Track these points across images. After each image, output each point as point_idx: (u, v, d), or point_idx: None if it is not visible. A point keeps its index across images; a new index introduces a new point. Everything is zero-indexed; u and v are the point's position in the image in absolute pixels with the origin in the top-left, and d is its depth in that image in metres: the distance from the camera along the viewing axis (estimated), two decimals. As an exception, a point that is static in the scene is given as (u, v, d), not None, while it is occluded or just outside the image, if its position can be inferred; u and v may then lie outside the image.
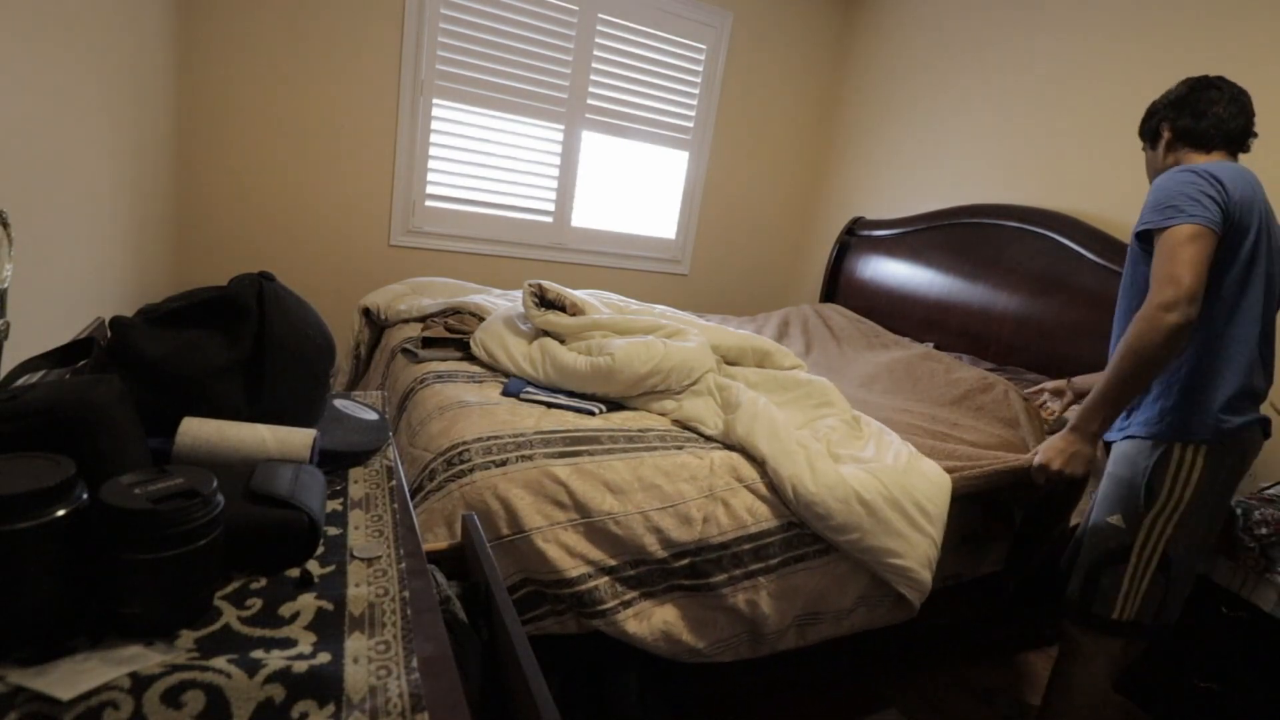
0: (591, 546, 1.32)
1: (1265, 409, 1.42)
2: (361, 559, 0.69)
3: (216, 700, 0.48)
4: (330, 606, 0.61)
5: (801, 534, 1.46)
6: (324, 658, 0.54)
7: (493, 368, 1.84)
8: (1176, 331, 1.25)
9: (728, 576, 1.40)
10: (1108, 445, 1.52)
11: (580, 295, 2.02)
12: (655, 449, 1.49)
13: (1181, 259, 1.26)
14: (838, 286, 3.43)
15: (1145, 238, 1.37)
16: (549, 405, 1.64)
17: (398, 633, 0.59)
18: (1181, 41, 2.17)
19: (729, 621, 1.42)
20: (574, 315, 1.89)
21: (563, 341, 1.84)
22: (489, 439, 1.39)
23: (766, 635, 1.45)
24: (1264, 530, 1.53)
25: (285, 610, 0.59)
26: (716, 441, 1.61)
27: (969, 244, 2.73)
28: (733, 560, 1.40)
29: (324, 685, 0.51)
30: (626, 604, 1.32)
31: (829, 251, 3.45)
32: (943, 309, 2.80)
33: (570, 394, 1.71)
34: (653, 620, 1.35)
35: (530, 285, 1.90)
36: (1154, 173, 1.52)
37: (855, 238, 3.36)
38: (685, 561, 1.37)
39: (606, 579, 1.31)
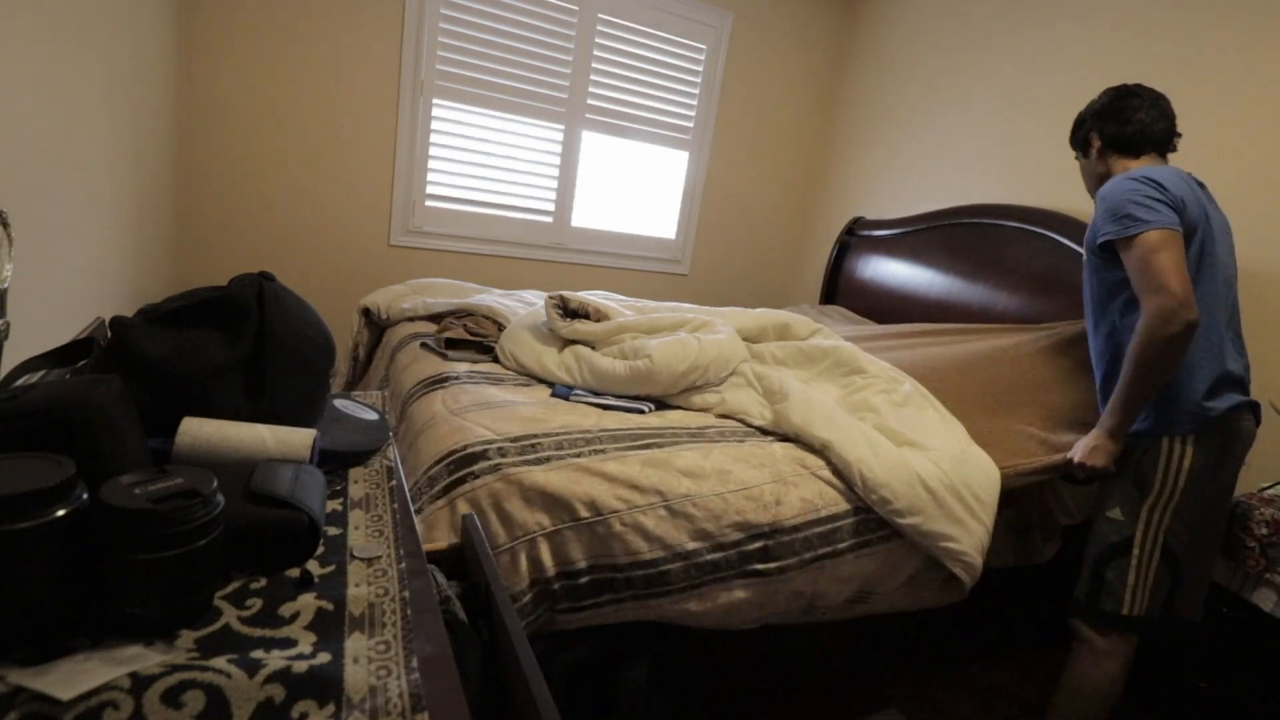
0: (671, 529, 1.36)
1: (1265, 408, 1.42)
2: (361, 559, 0.69)
3: (216, 700, 0.48)
4: (330, 606, 0.61)
5: (868, 519, 1.51)
6: (324, 658, 0.54)
7: (518, 373, 1.88)
8: (1181, 338, 1.29)
9: (798, 560, 1.43)
10: None
11: (595, 298, 2.04)
12: (718, 442, 1.55)
13: (1161, 267, 1.30)
14: (838, 286, 3.43)
15: (1107, 247, 1.41)
16: (602, 407, 1.69)
17: (398, 633, 0.59)
18: (1180, 41, 2.17)
19: (788, 599, 1.46)
20: (599, 320, 1.92)
21: (593, 347, 1.88)
22: (559, 434, 1.44)
23: (817, 608, 1.51)
24: (1264, 530, 1.53)
25: (285, 610, 0.59)
26: (769, 433, 1.67)
27: (969, 244, 2.72)
28: (804, 544, 1.44)
29: (324, 685, 0.51)
30: (695, 586, 1.36)
31: (829, 251, 3.45)
32: (943, 309, 2.79)
33: (617, 395, 1.77)
34: (717, 600, 1.38)
35: (552, 298, 1.93)
36: (1090, 179, 1.62)
37: (855, 238, 3.36)
38: (759, 545, 1.41)
39: (682, 563, 1.35)
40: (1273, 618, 1.52)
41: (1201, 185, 1.49)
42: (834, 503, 1.49)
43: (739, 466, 1.47)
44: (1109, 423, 1.43)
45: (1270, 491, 1.66)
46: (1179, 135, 1.54)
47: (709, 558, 1.37)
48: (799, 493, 1.47)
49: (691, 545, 1.36)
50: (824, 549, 1.45)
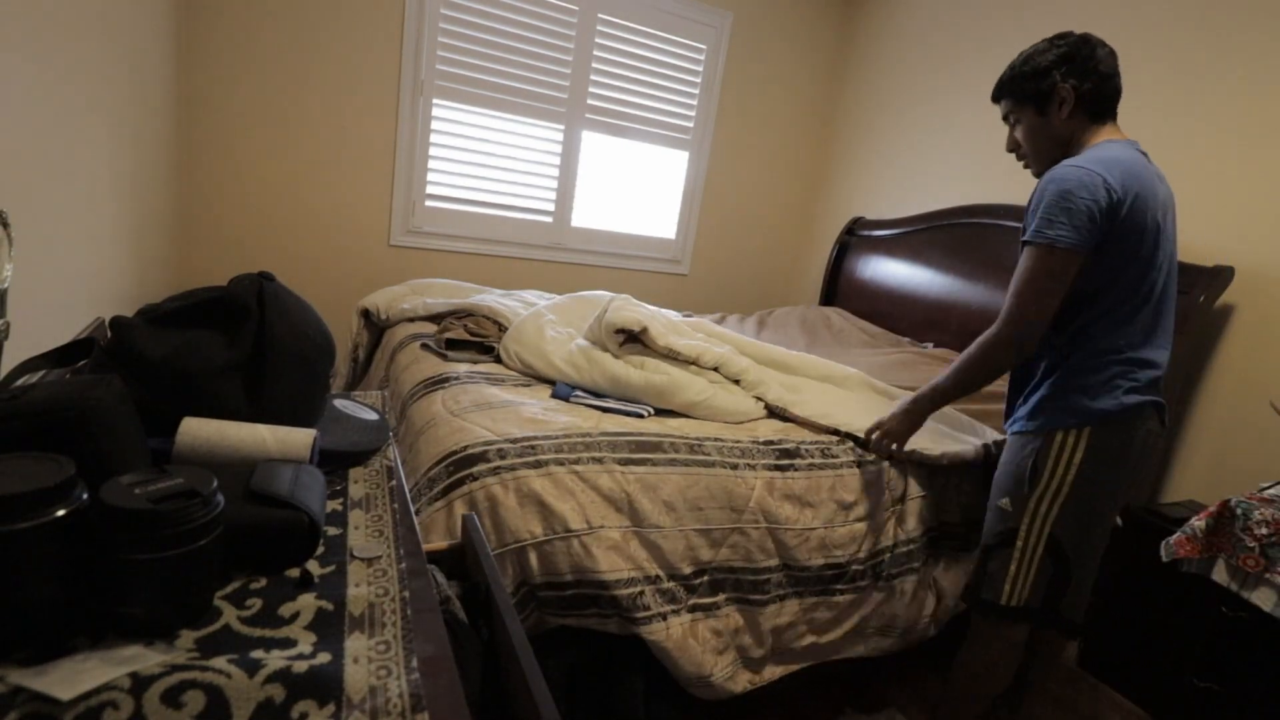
0: (644, 555, 1.40)
1: (1266, 408, 1.42)
2: (361, 559, 0.69)
3: (216, 700, 0.48)
4: (330, 606, 0.61)
5: (788, 576, 1.56)
6: (324, 658, 0.54)
7: (522, 373, 1.89)
8: (1011, 361, 1.36)
9: (725, 597, 1.50)
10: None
11: (645, 313, 1.88)
12: (712, 465, 1.53)
13: (1041, 291, 1.28)
14: (838, 286, 3.42)
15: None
16: (601, 409, 1.69)
17: (398, 633, 0.59)
18: (1179, 41, 2.17)
19: (737, 639, 1.52)
20: (649, 342, 1.82)
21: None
22: (559, 437, 1.45)
23: (754, 657, 1.55)
24: (1264, 530, 1.53)
25: (285, 610, 0.59)
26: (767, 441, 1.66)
27: (969, 244, 2.72)
28: (734, 584, 1.50)
29: (324, 685, 0.51)
30: (664, 616, 1.39)
31: (829, 251, 3.45)
32: (943, 309, 2.79)
33: (618, 398, 1.78)
34: (676, 633, 1.40)
35: (615, 331, 1.80)
36: (1049, 142, 1.38)
37: (855, 238, 3.36)
38: (702, 580, 1.46)
39: (652, 587, 1.39)
40: (1273, 618, 1.52)
41: (1145, 156, 1.35)
42: (770, 555, 1.53)
43: (711, 505, 1.48)
44: (918, 409, 1.52)
45: (1270, 491, 1.66)
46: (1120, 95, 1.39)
47: (666, 586, 1.41)
48: (743, 541, 1.50)
49: (654, 572, 1.40)
50: (754, 595, 1.52)
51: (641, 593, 1.36)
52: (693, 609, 1.44)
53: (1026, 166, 1.46)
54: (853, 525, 1.61)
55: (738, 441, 1.62)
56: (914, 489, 1.72)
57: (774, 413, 1.85)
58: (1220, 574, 1.61)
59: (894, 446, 1.57)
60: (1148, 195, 1.27)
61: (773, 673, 1.58)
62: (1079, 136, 1.36)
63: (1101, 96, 1.34)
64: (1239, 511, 1.58)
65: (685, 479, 1.47)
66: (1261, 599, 1.53)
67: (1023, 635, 1.45)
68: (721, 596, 1.48)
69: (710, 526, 1.46)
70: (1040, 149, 1.41)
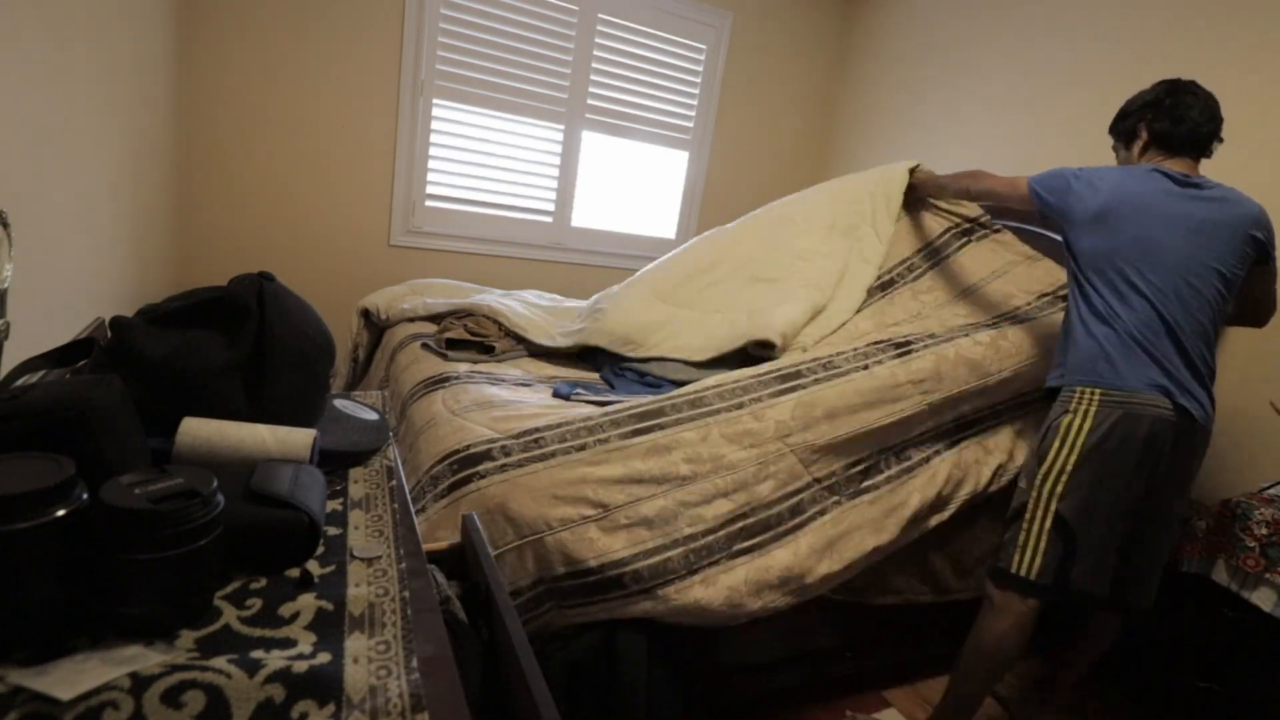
0: (672, 516, 1.38)
1: (1266, 408, 1.42)
2: (361, 559, 0.69)
3: (216, 700, 0.48)
4: (330, 606, 0.61)
5: (818, 490, 1.55)
6: (324, 658, 0.54)
7: (520, 378, 1.91)
8: None
9: (773, 533, 1.47)
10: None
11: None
12: (719, 412, 1.54)
13: (976, 183, 1.87)
14: (838, 286, 3.42)
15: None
16: (601, 404, 1.69)
17: (398, 633, 0.59)
18: (1179, 42, 2.17)
19: (779, 576, 1.47)
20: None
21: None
22: (561, 425, 1.45)
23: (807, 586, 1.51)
24: (1264, 530, 1.53)
25: (285, 610, 0.59)
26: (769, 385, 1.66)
27: (969, 244, 2.72)
28: (776, 518, 1.48)
29: (324, 685, 0.51)
30: (695, 570, 1.37)
31: (829, 251, 3.45)
32: (943, 309, 2.79)
33: (619, 393, 1.80)
34: (719, 583, 1.38)
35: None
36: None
37: (855, 238, 3.36)
38: (740, 524, 1.44)
39: (681, 549, 1.36)
40: (1273, 618, 1.52)
41: (1192, 183, 1.47)
42: (799, 477, 1.52)
43: (731, 449, 1.48)
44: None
45: (1270, 491, 1.66)
46: (1221, 140, 1.53)
47: (702, 541, 1.38)
48: (773, 471, 1.50)
49: (688, 530, 1.38)
50: (792, 520, 1.49)
51: (668, 559, 1.35)
52: (734, 554, 1.42)
53: None
54: (864, 415, 1.61)
55: (737, 381, 1.63)
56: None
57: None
58: (1220, 574, 1.61)
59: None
60: (1133, 201, 1.49)
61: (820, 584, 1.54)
62: (1149, 164, 1.55)
63: (1173, 136, 1.51)
64: (1239, 511, 1.58)
65: (697, 433, 1.48)
66: (1261, 599, 1.54)
67: (1033, 611, 1.47)
68: (766, 535, 1.46)
69: (736, 469, 1.46)
70: None
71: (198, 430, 0.73)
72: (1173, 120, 1.50)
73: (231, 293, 0.81)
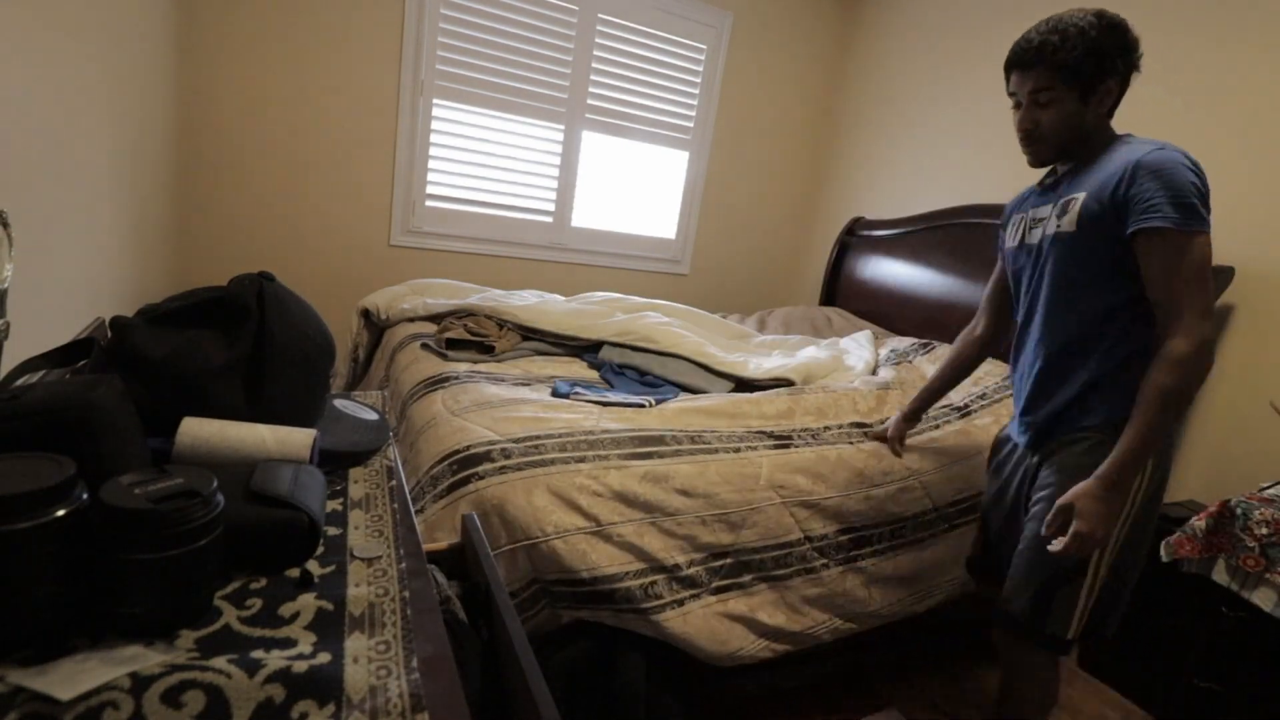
0: (660, 544, 1.40)
1: (1266, 408, 1.42)
2: (361, 559, 0.69)
3: (216, 700, 0.48)
4: (330, 606, 0.61)
5: (807, 550, 1.56)
6: (324, 658, 0.54)
7: (520, 378, 1.92)
8: (1205, 374, 1.14)
9: (753, 577, 1.51)
10: (1040, 442, 1.35)
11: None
12: (716, 452, 1.57)
13: (1209, 288, 1.11)
14: (838, 287, 3.42)
15: (1141, 231, 1.13)
16: (602, 404, 1.70)
17: (398, 633, 0.59)
18: (1178, 40, 2.17)
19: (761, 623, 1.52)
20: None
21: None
22: (562, 435, 1.47)
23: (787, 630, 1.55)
24: (1264, 530, 1.53)
25: (285, 610, 0.59)
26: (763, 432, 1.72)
27: (969, 244, 2.72)
28: (759, 564, 1.51)
29: (324, 685, 0.51)
30: (680, 602, 1.40)
31: (829, 251, 3.45)
32: (943, 309, 2.79)
33: (618, 392, 1.82)
34: (695, 619, 1.41)
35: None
36: (1066, 128, 1.23)
37: (855, 238, 3.36)
38: (721, 563, 1.47)
39: (665, 576, 1.39)
40: (1273, 618, 1.52)
41: None
42: (789, 530, 1.54)
43: (725, 489, 1.49)
44: (1116, 476, 1.15)
45: (1270, 491, 1.66)
46: None
47: (686, 572, 1.41)
48: (763, 519, 1.51)
49: (673, 560, 1.40)
50: (777, 570, 1.52)
51: (654, 582, 1.37)
52: (717, 590, 1.45)
53: (1032, 151, 1.29)
54: (870, 492, 1.64)
55: (732, 431, 1.67)
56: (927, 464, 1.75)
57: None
58: (1220, 574, 1.61)
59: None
60: None
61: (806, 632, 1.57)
62: (1101, 129, 1.26)
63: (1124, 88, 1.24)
64: (1239, 511, 1.58)
65: (694, 467, 1.49)
66: (1261, 599, 1.53)
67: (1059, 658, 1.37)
68: (749, 576, 1.49)
69: (727, 510, 1.48)
70: (1063, 138, 1.25)
71: (198, 430, 0.73)
72: (1128, 69, 1.21)
73: (231, 293, 0.81)
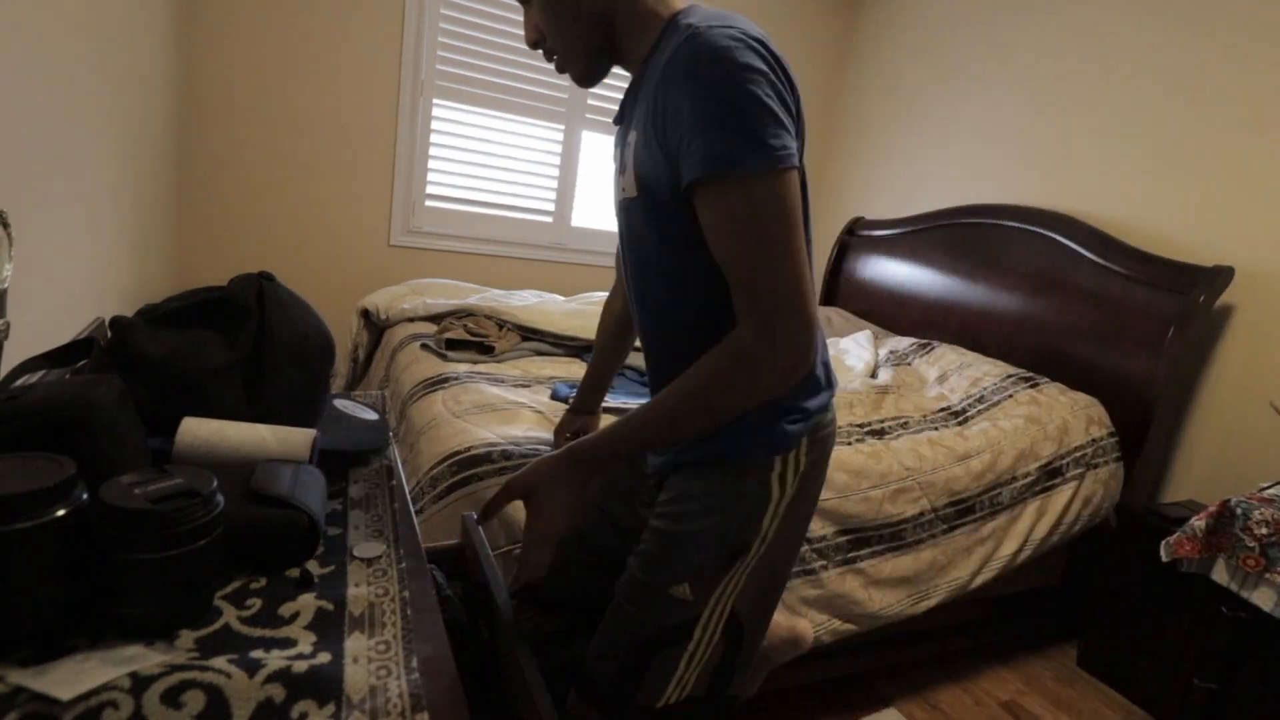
0: None
1: (1266, 408, 1.42)
2: (361, 559, 0.69)
3: (216, 700, 0.48)
4: (330, 606, 0.61)
5: (806, 552, 1.56)
6: (324, 658, 0.54)
7: (519, 379, 1.92)
8: (785, 383, 0.78)
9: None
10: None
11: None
12: None
13: (788, 253, 0.73)
14: (838, 286, 3.43)
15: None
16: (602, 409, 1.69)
17: (398, 633, 0.59)
18: (1180, 41, 2.17)
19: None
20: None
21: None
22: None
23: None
24: (1264, 530, 1.53)
25: (285, 610, 0.59)
26: None
27: (969, 244, 2.73)
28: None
29: (324, 685, 0.51)
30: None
31: (829, 251, 3.45)
32: (943, 309, 2.79)
33: (616, 397, 1.79)
34: None
35: None
36: (577, 23, 0.85)
37: (855, 238, 3.36)
38: None
39: None
40: (1273, 618, 1.52)
41: None
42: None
43: None
44: (589, 450, 0.85)
45: (1270, 491, 1.66)
46: None
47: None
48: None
49: None
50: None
51: None
52: None
53: (566, 71, 0.91)
54: (868, 493, 1.64)
55: None
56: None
57: None
58: (1220, 574, 1.61)
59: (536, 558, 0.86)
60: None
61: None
62: (639, 15, 0.84)
63: None
64: (1239, 511, 1.58)
65: None
66: (1261, 599, 1.54)
67: None
68: None
69: None
70: (574, 40, 0.87)
71: (198, 430, 0.73)
72: None
73: (231, 293, 0.81)
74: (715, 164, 0.72)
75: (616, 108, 0.94)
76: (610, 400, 1.76)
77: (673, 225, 0.82)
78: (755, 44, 0.75)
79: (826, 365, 0.96)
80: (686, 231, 0.80)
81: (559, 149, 3.10)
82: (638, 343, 1.10)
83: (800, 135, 0.81)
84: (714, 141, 0.71)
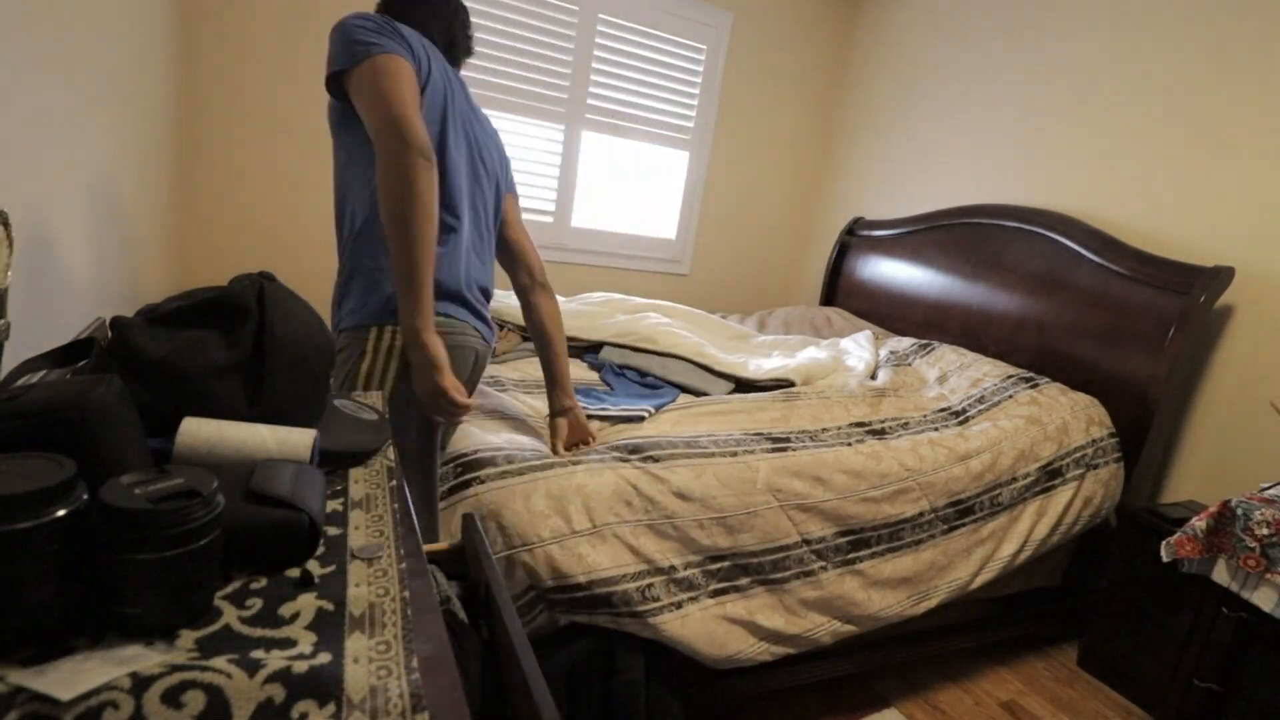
0: (654, 547, 1.40)
1: (1266, 408, 1.42)
2: (361, 559, 0.69)
3: (216, 700, 0.48)
4: (330, 606, 0.61)
5: (805, 554, 1.57)
6: (324, 658, 0.54)
7: (520, 380, 1.93)
8: (425, 175, 1.10)
9: (751, 580, 1.50)
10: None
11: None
12: (712, 455, 1.56)
13: (396, 97, 1.10)
14: (838, 287, 3.43)
15: (336, 85, 1.18)
16: (600, 418, 1.71)
17: (398, 633, 0.59)
18: (1179, 41, 2.17)
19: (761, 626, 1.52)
20: None
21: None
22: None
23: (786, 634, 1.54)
24: (1264, 530, 1.53)
25: (285, 610, 0.59)
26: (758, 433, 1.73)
27: (969, 244, 2.73)
28: (756, 568, 1.50)
29: (324, 685, 0.51)
30: (678, 605, 1.40)
31: (829, 252, 3.45)
32: (943, 309, 2.79)
33: (617, 402, 1.82)
34: (698, 622, 1.42)
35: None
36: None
37: (855, 238, 3.36)
38: (720, 565, 1.47)
39: (663, 578, 1.40)
40: (1273, 618, 1.52)
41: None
42: (787, 533, 1.53)
43: (723, 493, 1.49)
44: (411, 322, 1.15)
45: (1270, 491, 1.66)
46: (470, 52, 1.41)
47: (683, 574, 1.41)
48: (760, 523, 1.51)
49: (668, 562, 1.40)
50: (775, 573, 1.52)
51: (651, 585, 1.37)
52: (714, 593, 1.45)
53: None
54: (868, 494, 1.64)
55: (730, 434, 1.67)
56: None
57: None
58: (1220, 574, 1.61)
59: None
60: (437, 67, 1.24)
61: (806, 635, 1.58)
62: None
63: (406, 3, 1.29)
64: (1239, 511, 1.58)
65: (691, 471, 1.49)
66: (1262, 599, 1.54)
67: None
68: (746, 579, 1.49)
69: (725, 514, 1.47)
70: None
71: (198, 430, 0.73)
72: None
73: (231, 293, 0.81)
74: (345, 62, 1.15)
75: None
76: (611, 404, 1.76)
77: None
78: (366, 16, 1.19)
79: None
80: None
81: (559, 149, 3.10)
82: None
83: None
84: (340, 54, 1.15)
